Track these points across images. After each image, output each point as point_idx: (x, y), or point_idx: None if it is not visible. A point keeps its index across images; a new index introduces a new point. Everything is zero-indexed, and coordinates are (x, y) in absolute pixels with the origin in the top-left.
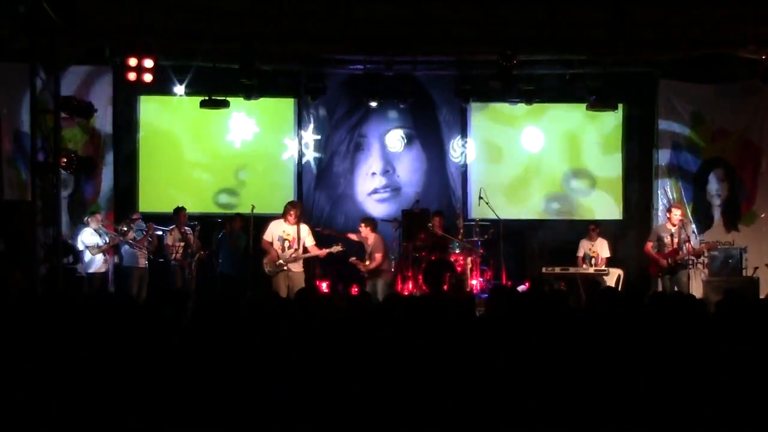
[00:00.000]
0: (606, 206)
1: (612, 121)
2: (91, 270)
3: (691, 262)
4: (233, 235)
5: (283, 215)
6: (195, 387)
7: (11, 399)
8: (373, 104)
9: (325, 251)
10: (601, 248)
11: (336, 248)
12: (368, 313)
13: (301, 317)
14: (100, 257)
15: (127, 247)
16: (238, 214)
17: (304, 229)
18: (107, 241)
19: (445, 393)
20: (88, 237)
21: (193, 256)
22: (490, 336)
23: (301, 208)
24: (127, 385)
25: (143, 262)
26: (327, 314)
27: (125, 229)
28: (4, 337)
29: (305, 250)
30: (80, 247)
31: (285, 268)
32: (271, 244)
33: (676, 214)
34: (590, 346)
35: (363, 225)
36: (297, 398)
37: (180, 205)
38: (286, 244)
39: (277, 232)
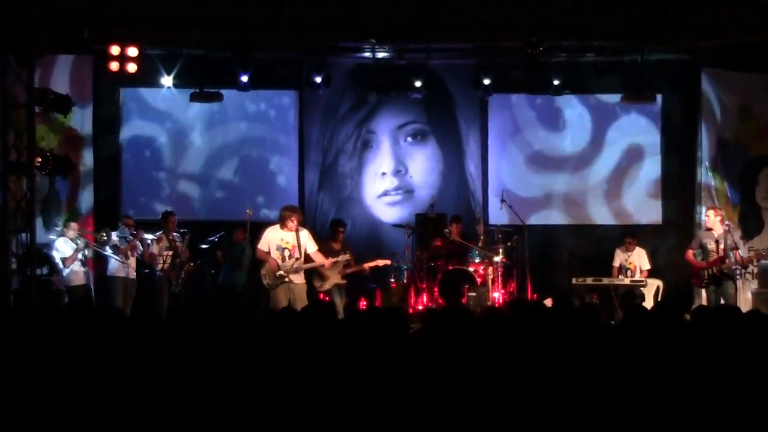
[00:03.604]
0: (643, 209)
1: (649, 114)
2: (70, 282)
3: (738, 272)
4: (234, 250)
5: (281, 222)
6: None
7: None
8: (383, 97)
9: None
10: (640, 259)
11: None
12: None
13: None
14: (78, 268)
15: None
16: (239, 227)
17: (304, 234)
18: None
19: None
20: (65, 247)
21: (182, 267)
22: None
23: (302, 214)
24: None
25: (131, 273)
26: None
27: (105, 236)
28: None
29: (307, 257)
30: (56, 258)
31: (286, 279)
32: (268, 253)
33: (711, 216)
34: (621, 370)
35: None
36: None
37: (168, 209)
38: (286, 253)
39: (275, 240)
